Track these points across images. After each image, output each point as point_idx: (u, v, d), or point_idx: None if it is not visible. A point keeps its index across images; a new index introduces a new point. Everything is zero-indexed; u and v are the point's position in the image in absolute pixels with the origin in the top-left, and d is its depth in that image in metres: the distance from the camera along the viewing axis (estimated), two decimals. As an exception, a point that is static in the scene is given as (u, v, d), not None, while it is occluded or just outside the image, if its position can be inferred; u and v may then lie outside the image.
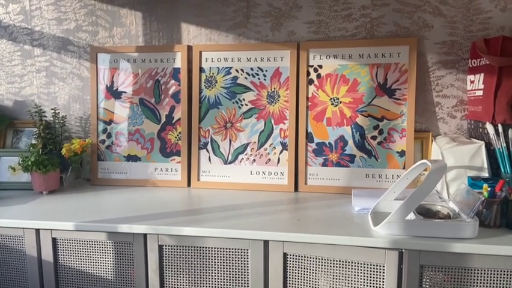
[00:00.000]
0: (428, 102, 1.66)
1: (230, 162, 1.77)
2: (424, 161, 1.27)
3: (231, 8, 1.78)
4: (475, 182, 1.34)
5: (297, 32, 1.74)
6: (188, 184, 1.81)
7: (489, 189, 1.24)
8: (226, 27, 1.79)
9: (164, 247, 1.35)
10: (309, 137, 1.71)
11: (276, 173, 1.73)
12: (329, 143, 1.70)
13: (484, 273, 1.16)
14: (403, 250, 1.19)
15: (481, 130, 1.47)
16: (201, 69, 1.79)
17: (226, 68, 1.77)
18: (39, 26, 1.94)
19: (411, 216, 1.24)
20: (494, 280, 1.15)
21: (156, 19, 1.85)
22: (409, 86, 1.61)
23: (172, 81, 1.82)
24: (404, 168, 1.63)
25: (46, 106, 1.98)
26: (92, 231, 1.37)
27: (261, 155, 1.74)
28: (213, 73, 1.79)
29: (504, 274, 1.14)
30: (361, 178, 1.67)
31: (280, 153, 1.73)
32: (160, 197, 1.66)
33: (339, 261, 1.24)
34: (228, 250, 1.31)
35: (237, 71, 1.77)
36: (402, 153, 1.64)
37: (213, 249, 1.32)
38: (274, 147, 1.74)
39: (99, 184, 1.87)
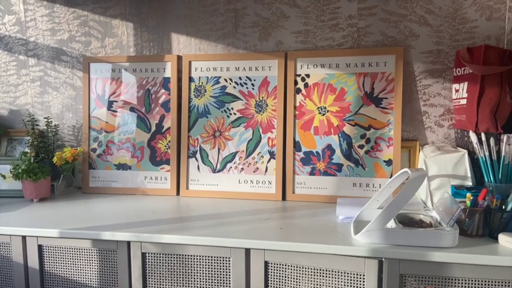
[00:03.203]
0: (415, 111, 1.66)
1: (218, 171, 1.78)
2: (406, 169, 1.27)
3: (220, 18, 1.80)
4: (458, 191, 1.33)
5: (285, 41, 1.75)
6: (178, 193, 1.82)
7: (472, 198, 1.24)
8: (215, 37, 1.82)
9: (147, 255, 1.35)
10: (296, 146, 1.72)
11: (264, 182, 1.73)
12: (317, 152, 1.70)
13: (465, 283, 1.14)
14: (383, 259, 1.18)
15: (466, 139, 1.47)
16: (191, 79, 1.82)
17: (215, 77, 1.79)
18: (34, 36, 1.99)
19: (392, 224, 1.23)
20: (473, 290, 1.14)
21: (147, 29, 1.88)
22: (396, 95, 1.62)
23: (162, 91, 1.84)
24: (391, 177, 1.62)
25: (40, 115, 2.01)
26: (77, 239, 1.38)
27: (249, 163, 1.75)
28: (202, 82, 1.81)
29: (485, 284, 1.13)
30: (348, 187, 1.66)
31: (268, 162, 1.73)
32: (149, 206, 1.66)
33: (320, 269, 1.24)
34: (210, 258, 1.31)
35: (225, 80, 1.78)
36: (389, 162, 1.63)
37: (195, 257, 1.32)
38: (262, 156, 1.74)
39: (90, 192, 1.88)
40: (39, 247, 1.43)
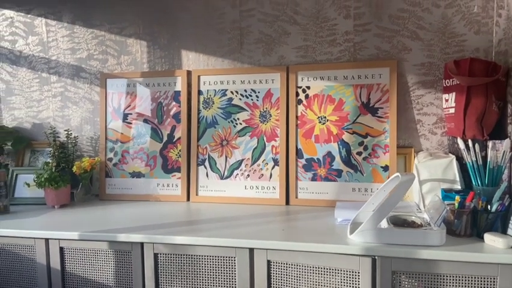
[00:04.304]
0: (409, 120, 1.76)
1: (226, 178, 1.90)
2: (397, 174, 1.36)
3: (226, 36, 1.94)
4: (447, 194, 1.42)
5: (287, 56, 1.88)
6: (188, 198, 1.94)
7: (460, 200, 1.33)
8: (222, 53, 1.95)
9: (159, 255, 1.47)
10: (298, 153, 1.82)
11: (268, 188, 1.84)
12: (318, 159, 1.80)
13: (453, 279, 1.23)
14: (376, 257, 1.27)
15: (456, 145, 1.56)
16: (199, 92, 1.95)
17: (222, 90, 1.92)
18: (55, 55, 2.15)
19: (385, 225, 1.33)
20: (462, 286, 1.22)
21: (159, 47, 2.03)
22: (390, 104, 1.72)
23: (173, 103, 1.98)
24: (388, 182, 1.71)
25: (61, 128, 2.16)
26: (95, 241, 1.50)
27: (255, 170, 1.86)
28: (210, 95, 1.94)
29: (471, 280, 1.21)
30: (348, 192, 1.76)
31: (272, 169, 1.85)
32: (161, 211, 1.78)
33: (319, 267, 1.33)
34: (216, 258, 1.42)
35: (232, 92, 1.91)
36: (386, 168, 1.73)
37: (203, 257, 1.43)
38: (267, 163, 1.85)
39: (107, 199, 2.01)
40: (61, 249, 1.55)
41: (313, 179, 1.80)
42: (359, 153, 1.76)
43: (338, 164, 1.78)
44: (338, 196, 1.77)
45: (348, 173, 1.77)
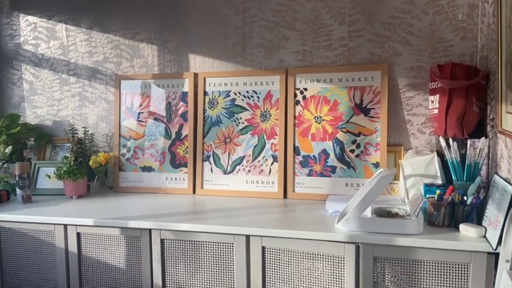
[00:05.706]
0: (400, 120, 1.88)
1: (229, 173, 2.04)
2: (381, 169, 1.49)
3: (230, 41, 2.09)
4: (429, 188, 1.53)
5: (286, 60, 2.01)
6: (194, 191, 2.09)
7: (439, 194, 1.44)
8: (226, 57, 2.10)
9: (165, 241, 1.62)
10: (296, 151, 1.96)
11: (267, 182, 1.98)
12: (314, 156, 1.93)
13: (429, 265, 1.35)
14: (359, 244, 1.40)
15: (440, 143, 1.67)
16: (205, 93, 2.10)
17: (226, 91, 2.07)
18: (74, 58, 2.33)
19: (369, 215, 1.45)
20: (436, 270, 1.34)
21: (169, 51, 2.18)
22: (382, 105, 1.84)
23: (181, 103, 2.13)
24: (379, 178, 1.83)
25: (79, 125, 2.33)
26: (108, 227, 1.67)
27: (255, 166, 2.01)
28: (215, 96, 2.08)
29: (446, 266, 1.33)
30: (341, 187, 1.89)
31: (271, 165, 1.98)
32: (169, 202, 1.94)
33: (308, 253, 1.47)
34: (216, 244, 1.57)
35: (235, 93, 2.06)
36: (377, 165, 1.85)
37: (204, 242, 1.58)
38: (266, 159, 1.99)
39: (120, 191, 2.18)
40: (78, 234, 1.72)
41: (310, 174, 1.94)
42: (352, 151, 1.89)
43: (332, 160, 1.91)
44: (332, 190, 1.89)
45: (342, 169, 1.90)
